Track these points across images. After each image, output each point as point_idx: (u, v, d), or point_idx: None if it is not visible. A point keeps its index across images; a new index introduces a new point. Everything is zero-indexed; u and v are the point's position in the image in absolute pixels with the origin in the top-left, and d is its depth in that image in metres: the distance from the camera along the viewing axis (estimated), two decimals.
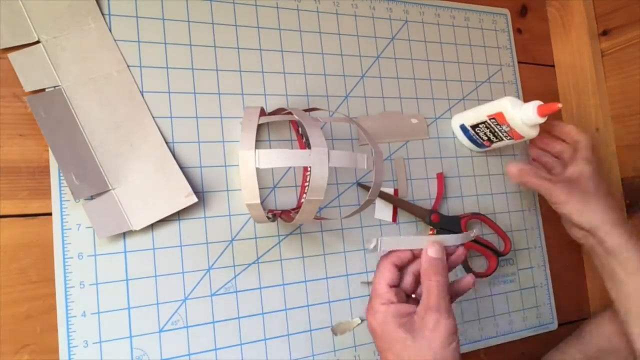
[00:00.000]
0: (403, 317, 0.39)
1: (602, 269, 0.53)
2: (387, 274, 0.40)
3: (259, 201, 0.39)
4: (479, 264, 0.61)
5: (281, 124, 0.53)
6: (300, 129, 0.52)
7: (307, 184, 0.49)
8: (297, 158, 0.39)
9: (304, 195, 0.48)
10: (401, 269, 0.42)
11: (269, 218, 0.44)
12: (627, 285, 0.49)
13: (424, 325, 0.38)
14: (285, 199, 0.52)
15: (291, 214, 0.47)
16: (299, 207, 0.50)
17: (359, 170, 0.56)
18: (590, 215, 0.51)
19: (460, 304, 0.59)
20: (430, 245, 0.41)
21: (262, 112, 0.45)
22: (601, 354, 0.54)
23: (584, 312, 0.69)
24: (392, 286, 0.40)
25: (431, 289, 0.39)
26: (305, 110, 0.50)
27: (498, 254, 0.59)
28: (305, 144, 0.52)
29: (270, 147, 0.52)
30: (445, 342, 0.38)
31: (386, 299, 0.39)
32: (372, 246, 0.40)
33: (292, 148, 0.53)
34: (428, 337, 0.37)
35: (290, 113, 0.45)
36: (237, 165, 0.50)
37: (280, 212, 0.49)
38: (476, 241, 0.59)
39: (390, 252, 0.42)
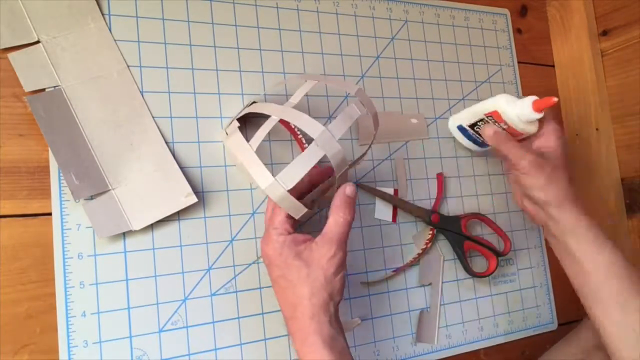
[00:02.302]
0: (299, 246, 0.41)
1: (557, 245, 0.52)
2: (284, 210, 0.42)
3: (304, 210, 0.42)
4: (479, 264, 0.61)
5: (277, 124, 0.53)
6: (294, 126, 0.52)
7: (304, 143, 0.50)
8: (310, 158, 0.40)
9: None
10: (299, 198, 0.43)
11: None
12: (584, 264, 0.48)
13: (322, 254, 0.41)
14: None
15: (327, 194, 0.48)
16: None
17: (359, 169, 0.56)
18: (551, 192, 0.49)
19: (460, 304, 0.59)
20: (348, 185, 0.43)
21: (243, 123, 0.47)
22: (597, 349, 0.54)
23: (584, 312, 0.69)
24: (288, 217, 0.42)
25: (338, 223, 0.41)
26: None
27: (498, 254, 0.59)
28: (302, 135, 0.53)
29: (270, 149, 0.52)
30: (337, 271, 0.41)
31: (284, 229, 0.41)
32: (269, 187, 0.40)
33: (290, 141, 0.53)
34: (324, 266, 0.40)
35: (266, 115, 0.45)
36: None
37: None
38: (476, 241, 0.59)
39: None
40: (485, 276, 0.59)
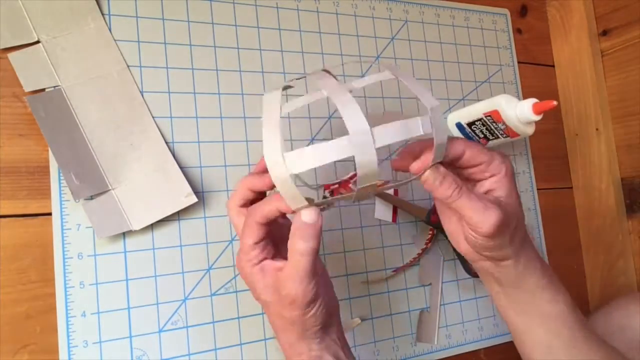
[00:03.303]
0: (266, 278, 0.36)
1: (504, 295, 0.43)
2: (254, 233, 0.36)
3: (305, 203, 0.34)
4: None
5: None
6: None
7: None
8: (333, 151, 0.32)
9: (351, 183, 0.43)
10: (269, 224, 0.37)
11: (325, 197, 0.40)
12: (533, 316, 0.42)
13: (282, 294, 0.35)
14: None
15: (350, 185, 0.42)
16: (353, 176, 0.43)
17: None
18: (512, 248, 0.39)
19: (460, 304, 0.59)
20: (306, 211, 0.35)
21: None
22: (620, 329, 0.54)
23: (584, 312, 0.69)
24: (257, 243, 0.36)
25: (291, 261, 0.35)
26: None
27: None
28: None
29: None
30: (303, 313, 0.35)
31: (253, 256, 0.36)
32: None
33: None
34: (285, 308, 0.35)
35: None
36: (238, 165, 0.50)
37: (337, 184, 0.43)
38: None
39: (257, 210, 0.36)
40: None
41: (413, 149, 0.38)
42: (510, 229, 0.38)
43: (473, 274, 0.59)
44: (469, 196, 0.37)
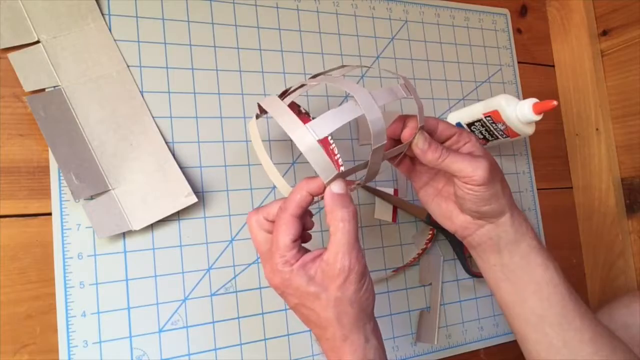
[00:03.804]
0: (310, 270, 0.36)
1: (501, 262, 0.44)
2: (291, 228, 0.36)
3: (335, 171, 0.36)
4: None
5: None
6: (300, 107, 0.47)
7: (336, 155, 0.43)
8: (348, 112, 0.36)
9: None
10: (301, 217, 0.37)
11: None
12: (524, 281, 0.43)
13: (336, 273, 0.35)
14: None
15: (352, 186, 0.43)
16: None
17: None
18: (503, 201, 0.41)
19: (460, 304, 0.59)
20: (335, 183, 0.36)
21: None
22: (624, 327, 0.54)
23: None
24: (295, 240, 0.36)
25: (338, 230, 0.35)
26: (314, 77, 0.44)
27: None
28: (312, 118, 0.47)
29: (270, 146, 0.52)
30: (360, 284, 0.36)
31: (291, 255, 0.36)
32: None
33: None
34: (342, 285, 0.35)
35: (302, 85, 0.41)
36: (238, 165, 0.50)
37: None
38: None
39: (289, 203, 0.37)
40: None
41: (398, 123, 0.41)
42: (499, 177, 0.41)
43: (473, 273, 0.59)
44: (456, 153, 0.40)
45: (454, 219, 0.44)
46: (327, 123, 0.35)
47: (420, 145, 0.40)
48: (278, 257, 0.36)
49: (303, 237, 0.38)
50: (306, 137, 0.35)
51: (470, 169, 0.39)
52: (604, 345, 0.43)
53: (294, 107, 0.48)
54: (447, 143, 0.42)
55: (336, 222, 0.35)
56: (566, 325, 0.42)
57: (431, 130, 0.42)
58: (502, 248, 0.43)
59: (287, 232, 0.36)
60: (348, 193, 0.37)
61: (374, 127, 0.36)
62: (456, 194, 0.42)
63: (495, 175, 0.40)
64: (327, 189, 0.36)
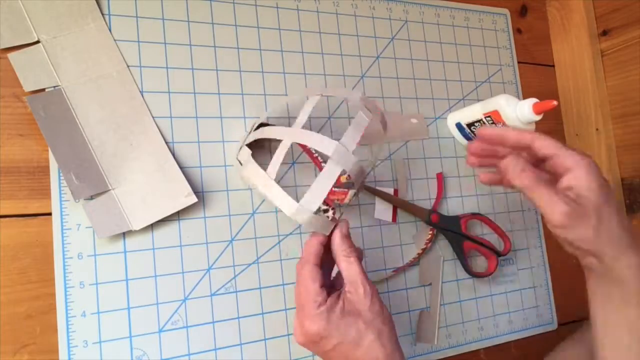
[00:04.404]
0: (338, 305, 0.40)
1: (596, 288, 0.44)
2: (317, 275, 0.40)
3: (332, 224, 0.42)
4: (479, 264, 0.61)
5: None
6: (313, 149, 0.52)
7: (322, 162, 0.50)
8: (330, 176, 0.40)
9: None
10: (321, 265, 0.42)
11: (325, 210, 0.45)
12: (621, 316, 0.42)
13: (360, 298, 0.40)
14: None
15: (333, 189, 0.49)
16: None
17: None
18: (602, 243, 0.39)
19: (460, 304, 0.59)
20: (341, 225, 0.42)
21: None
22: None
23: (584, 312, 0.69)
24: (322, 286, 0.40)
25: (351, 264, 0.41)
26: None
27: (498, 254, 0.59)
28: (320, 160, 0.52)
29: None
30: (380, 301, 0.41)
31: (322, 299, 0.39)
32: None
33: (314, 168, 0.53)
34: (370, 307, 0.40)
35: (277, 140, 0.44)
36: (235, 166, 0.50)
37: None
38: (476, 241, 0.59)
39: (307, 256, 0.42)
40: (485, 276, 0.59)
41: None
42: (588, 222, 0.38)
43: (473, 273, 0.59)
44: (542, 188, 0.39)
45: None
46: (314, 195, 0.40)
47: (511, 169, 0.41)
48: (311, 303, 0.39)
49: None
50: (304, 214, 0.40)
51: (546, 210, 0.38)
52: None
53: (310, 152, 0.53)
54: (550, 164, 0.42)
55: (347, 258, 0.41)
56: None
57: (523, 144, 0.43)
58: (610, 282, 0.41)
59: (314, 279, 0.40)
60: (348, 234, 0.42)
61: (353, 173, 0.41)
62: None
63: (578, 220, 0.38)
64: (333, 238, 0.42)
